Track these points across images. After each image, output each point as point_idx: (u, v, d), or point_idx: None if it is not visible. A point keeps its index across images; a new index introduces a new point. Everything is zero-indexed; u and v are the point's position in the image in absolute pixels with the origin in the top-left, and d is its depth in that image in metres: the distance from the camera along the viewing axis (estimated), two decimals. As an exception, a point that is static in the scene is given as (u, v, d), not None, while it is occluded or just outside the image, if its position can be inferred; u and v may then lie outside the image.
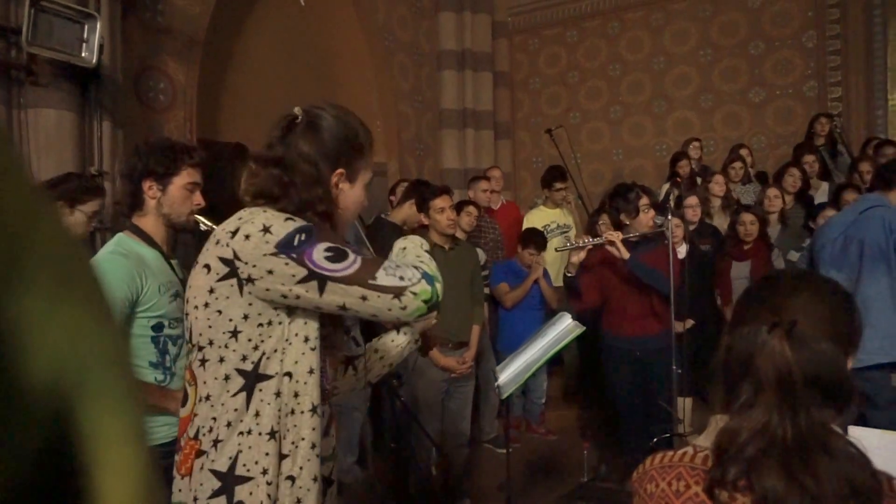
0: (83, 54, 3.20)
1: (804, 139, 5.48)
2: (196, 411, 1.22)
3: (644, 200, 3.40)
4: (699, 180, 5.09)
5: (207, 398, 1.21)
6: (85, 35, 3.20)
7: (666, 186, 5.46)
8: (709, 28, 6.59)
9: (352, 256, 1.19)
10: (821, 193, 4.91)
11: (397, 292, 1.17)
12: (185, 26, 4.38)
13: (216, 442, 1.18)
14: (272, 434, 1.19)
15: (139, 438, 0.29)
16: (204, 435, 1.19)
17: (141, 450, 0.29)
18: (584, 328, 2.78)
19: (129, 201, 1.93)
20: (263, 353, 1.20)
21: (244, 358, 1.20)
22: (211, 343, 1.21)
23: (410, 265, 1.24)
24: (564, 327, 2.78)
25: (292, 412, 1.21)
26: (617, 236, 3.28)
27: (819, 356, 0.88)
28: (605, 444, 4.06)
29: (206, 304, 1.21)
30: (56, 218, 0.28)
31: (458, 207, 4.05)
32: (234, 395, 1.19)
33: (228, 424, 1.18)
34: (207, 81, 4.62)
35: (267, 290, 1.19)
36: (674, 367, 3.22)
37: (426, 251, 1.37)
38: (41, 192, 0.28)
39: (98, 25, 3.22)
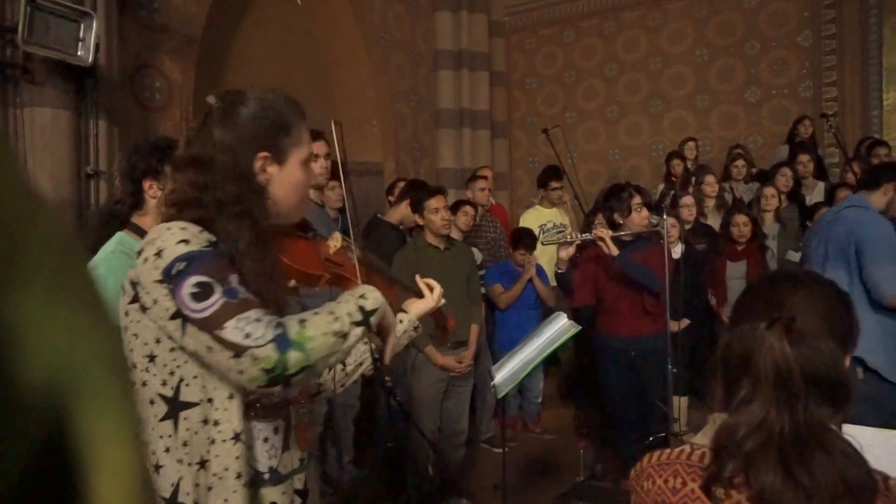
0: (79, 53, 3.20)
1: (786, 140, 5.51)
2: None
3: (637, 200, 3.41)
4: (694, 180, 5.11)
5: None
6: (81, 33, 3.19)
7: (661, 186, 5.49)
8: (705, 28, 6.60)
9: (215, 295, 1.05)
10: (816, 193, 4.93)
11: (237, 352, 1.02)
12: (181, 25, 4.37)
13: (157, 467, 1.14)
14: (202, 464, 1.14)
15: (133, 439, 0.29)
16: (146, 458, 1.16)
17: (135, 451, 0.29)
18: (580, 328, 2.79)
19: (129, 200, 1.92)
20: (182, 380, 1.13)
21: (164, 383, 1.14)
22: (134, 366, 1.16)
23: (275, 322, 1.06)
24: (560, 327, 2.79)
25: (213, 441, 1.13)
26: (607, 234, 3.29)
27: (818, 353, 0.89)
28: (600, 443, 4.07)
29: (125, 327, 1.16)
30: (51, 218, 0.28)
31: (455, 207, 4.06)
32: (162, 420, 1.14)
33: (167, 450, 1.14)
34: (204, 80, 4.62)
35: (154, 320, 1.11)
36: (669, 367, 3.22)
37: (366, 308, 1.18)
38: (37, 192, 0.28)
39: (94, 24, 3.22)
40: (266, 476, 1.21)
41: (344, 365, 1.48)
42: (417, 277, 1.58)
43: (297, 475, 1.28)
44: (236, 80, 5.16)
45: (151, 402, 1.15)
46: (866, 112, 5.80)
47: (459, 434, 3.58)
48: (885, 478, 0.88)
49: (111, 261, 1.78)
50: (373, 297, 1.20)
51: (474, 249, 4.26)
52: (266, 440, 1.22)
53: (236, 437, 1.14)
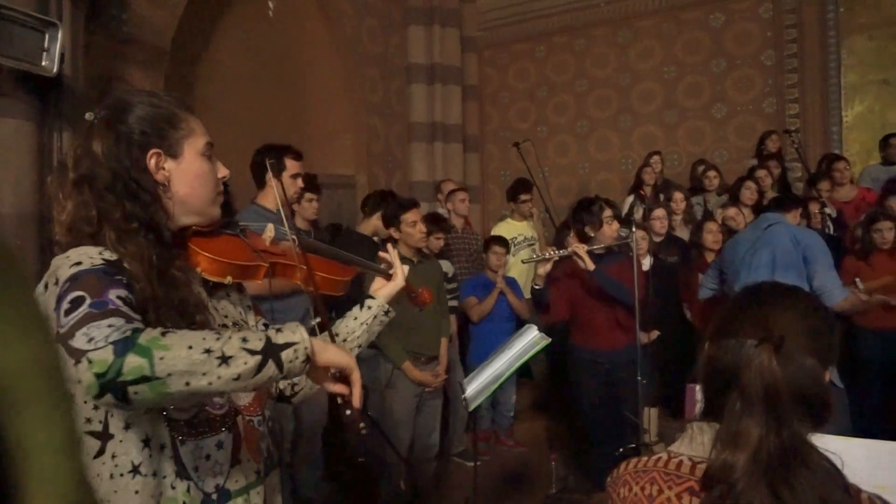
0: (44, 63, 3.13)
1: (754, 154, 5.65)
2: None
3: (607, 213, 3.46)
4: (661, 196, 5.21)
5: None
6: (46, 44, 3.13)
7: (629, 199, 5.58)
8: (673, 46, 6.76)
9: (82, 307, 0.96)
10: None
11: (77, 358, 0.90)
12: (150, 36, 4.32)
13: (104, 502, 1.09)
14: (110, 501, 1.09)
15: (70, 448, 0.29)
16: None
17: (71, 459, 0.29)
18: (550, 340, 2.81)
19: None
20: (107, 412, 1.08)
21: (89, 420, 1.08)
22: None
23: (130, 328, 0.94)
24: (530, 339, 2.81)
25: (111, 476, 1.07)
26: (582, 248, 3.33)
27: (804, 372, 0.90)
28: (573, 455, 4.08)
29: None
30: None
31: (430, 231, 4.06)
32: (95, 458, 1.08)
33: (97, 489, 1.09)
34: (175, 90, 4.57)
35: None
36: (639, 378, 3.26)
37: (274, 341, 1.02)
38: None
39: (59, 34, 3.16)
40: (214, 496, 1.15)
41: None
42: (381, 253, 1.55)
43: (255, 489, 1.22)
44: (207, 93, 5.11)
45: (79, 443, 1.09)
46: (827, 128, 5.98)
47: (431, 448, 3.56)
48: (859, 491, 0.90)
49: None
50: (291, 331, 1.04)
51: (445, 262, 4.27)
52: (209, 457, 1.15)
53: (135, 471, 1.07)
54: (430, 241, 4.08)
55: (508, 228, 5.06)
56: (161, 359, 0.91)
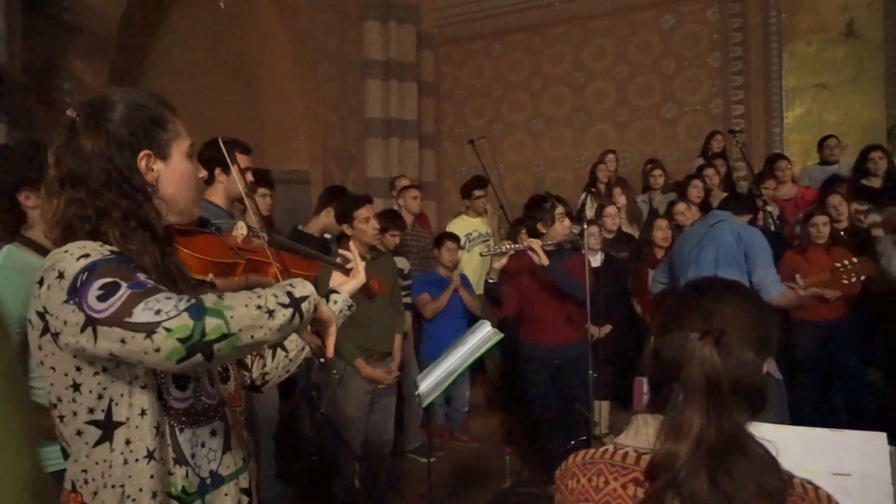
0: (-24, 50, 3.00)
1: (700, 154, 5.83)
2: (66, 466, 1.16)
3: (559, 210, 3.51)
4: (613, 192, 5.33)
5: (70, 455, 1.15)
6: (-20, 31, 3.00)
7: (583, 196, 5.68)
8: (625, 46, 6.89)
9: (122, 290, 1.01)
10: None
11: (149, 330, 0.97)
12: (94, 24, 4.17)
13: (94, 494, 1.12)
14: (123, 486, 1.12)
15: (23, 448, 0.28)
16: (81, 487, 1.13)
17: (24, 460, 0.28)
18: (504, 335, 2.84)
19: (7, 219, 1.76)
20: (111, 400, 1.11)
21: (91, 410, 1.11)
22: (60, 400, 1.13)
23: (188, 297, 1.02)
24: (484, 335, 2.83)
25: (126, 462, 1.11)
26: (537, 243, 3.37)
27: (743, 363, 0.94)
28: (527, 449, 4.13)
29: (41, 363, 1.13)
30: None
31: (383, 229, 4.04)
32: (95, 446, 1.12)
33: (103, 475, 1.12)
34: (120, 83, 4.42)
35: (67, 343, 1.06)
36: (590, 372, 3.32)
37: (294, 294, 1.16)
38: None
39: (-5, 21, 3.03)
40: (208, 481, 1.21)
41: (286, 350, 1.47)
42: (342, 250, 1.56)
43: (242, 474, 1.29)
44: (156, 84, 4.97)
45: (79, 433, 1.12)
46: (769, 129, 6.21)
47: (385, 445, 3.55)
48: (791, 477, 0.93)
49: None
50: (301, 285, 1.19)
51: (401, 259, 4.26)
52: (204, 445, 1.21)
53: (150, 456, 1.12)
54: (386, 238, 4.07)
55: (463, 225, 5.08)
56: (231, 317, 1.02)
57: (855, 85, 5.95)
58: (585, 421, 3.42)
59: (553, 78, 7.22)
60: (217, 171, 2.71)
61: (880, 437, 1.65)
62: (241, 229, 1.42)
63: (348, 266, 1.57)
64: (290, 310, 1.12)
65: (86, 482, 1.12)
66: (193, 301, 1.01)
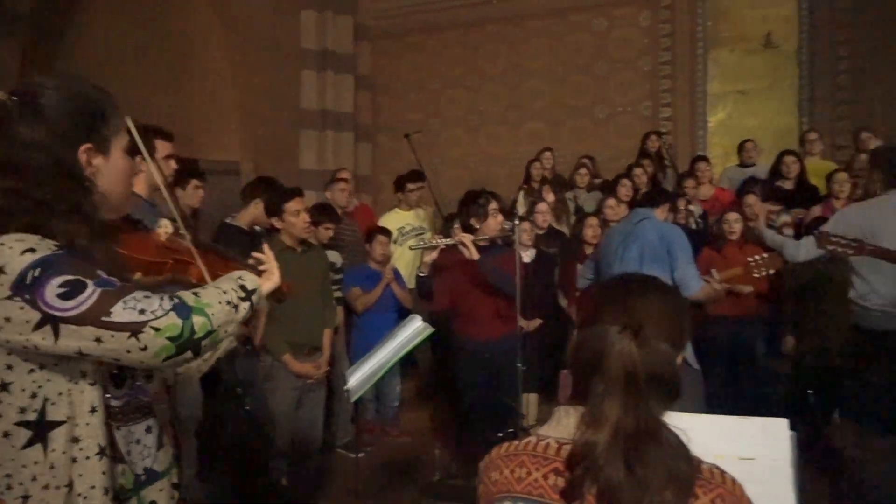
0: None
1: (637, 154, 6.03)
2: None
3: (493, 205, 3.54)
4: (542, 190, 5.44)
5: None
6: None
7: (520, 193, 5.76)
8: (560, 47, 7.03)
9: (89, 289, 1.02)
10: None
11: (134, 330, 1.01)
12: (6, 1, 3.92)
13: (24, 497, 1.09)
14: (70, 486, 1.10)
15: None
16: (3, 493, 1.09)
17: None
18: (434, 329, 2.85)
19: None
20: (47, 399, 1.09)
21: (23, 410, 1.08)
22: None
23: (168, 296, 1.07)
24: (414, 329, 2.83)
25: (75, 460, 1.10)
26: (468, 238, 3.39)
27: (659, 355, 0.97)
28: (457, 442, 4.16)
29: None
30: None
31: (317, 222, 3.98)
32: (24, 448, 1.08)
33: (34, 478, 1.09)
34: (35, 63, 4.17)
35: (7, 340, 1.04)
36: (519, 365, 3.37)
37: (247, 287, 1.23)
38: None
39: None
40: (143, 477, 1.22)
41: None
42: (255, 253, 1.55)
43: (173, 470, 1.31)
44: (77, 65, 4.70)
45: (6, 435, 1.08)
46: (694, 131, 6.49)
47: (313, 441, 3.50)
48: (700, 462, 0.97)
49: None
50: (250, 278, 1.26)
51: (333, 252, 4.21)
52: (139, 441, 1.23)
53: (101, 452, 1.12)
54: (319, 231, 4.01)
55: (396, 218, 5.06)
56: (213, 314, 1.10)
57: (771, 92, 6.30)
58: (514, 413, 3.48)
59: (489, 75, 7.29)
60: (138, 158, 2.59)
61: (782, 424, 1.77)
62: (165, 227, 1.40)
63: (261, 268, 1.55)
64: (248, 303, 1.21)
65: (9, 487, 1.08)
66: (177, 300, 1.06)
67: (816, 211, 4.55)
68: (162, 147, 2.74)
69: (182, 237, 1.39)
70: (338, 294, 4.20)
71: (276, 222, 3.34)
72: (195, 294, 1.12)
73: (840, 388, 3.72)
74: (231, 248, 1.59)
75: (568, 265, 4.62)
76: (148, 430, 1.24)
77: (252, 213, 3.74)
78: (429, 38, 7.52)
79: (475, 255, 3.37)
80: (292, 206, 3.27)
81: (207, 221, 4.26)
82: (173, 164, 2.85)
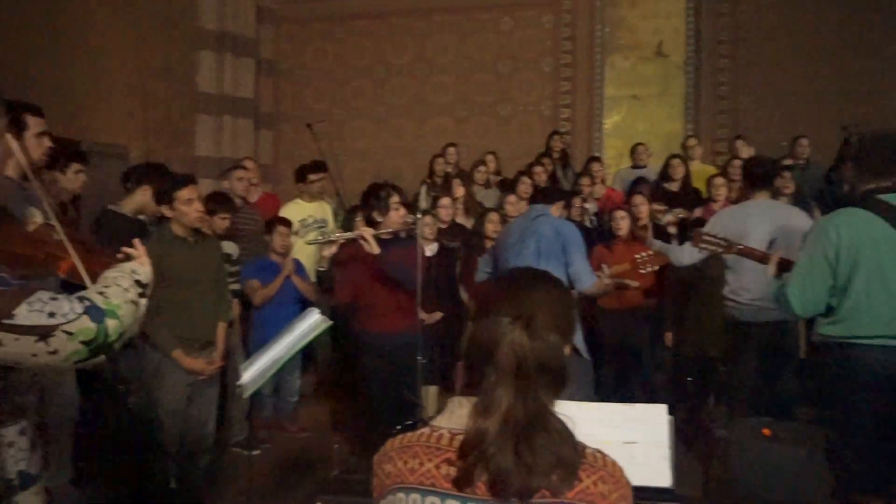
0: None
1: (543, 152, 6.24)
2: None
3: (395, 199, 3.53)
4: (453, 184, 5.49)
5: None
6: None
7: (423, 187, 5.79)
8: (466, 43, 7.12)
9: None
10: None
11: (42, 334, 0.98)
12: None
13: None
14: None
15: None
16: None
17: None
18: (332, 322, 2.81)
19: None
20: None
21: None
22: None
23: (77, 297, 1.05)
24: (312, 322, 2.78)
25: None
26: (369, 232, 3.36)
27: (548, 346, 1.01)
28: (356, 436, 4.13)
29: None
30: None
31: (212, 212, 3.81)
32: None
33: None
34: None
35: None
36: (419, 358, 3.39)
37: (136, 279, 1.22)
38: None
39: None
40: (16, 482, 1.17)
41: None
42: (124, 248, 1.47)
43: (46, 473, 1.27)
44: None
45: None
46: (591, 133, 6.79)
47: (205, 440, 3.36)
48: (584, 448, 1.02)
49: None
50: (143, 271, 1.25)
51: (229, 243, 4.05)
52: (11, 445, 1.17)
53: None
54: (215, 221, 3.86)
55: (298, 210, 4.94)
56: (122, 315, 1.09)
57: (661, 99, 6.70)
58: (414, 406, 3.50)
59: (396, 67, 7.27)
60: (8, 137, 2.37)
61: (661, 409, 1.91)
62: (35, 217, 1.34)
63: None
64: (145, 299, 1.21)
65: None
66: (88, 302, 1.04)
67: (698, 213, 4.89)
68: (34, 123, 2.52)
69: (53, 228, 1.31)
70: (235, 286, 4.05)
71: (166, 211, 3.16)
72: (102, 294, 1.10)
73: (715, 374, 4.05)
74: (114, 237, 1.51)
75: (468, 259, 4.70)
76: (21, 432, 1.19)
77: (138, 201, 3.51)
78: (336, 25, 7.38)
79: (375, 250, 3.35)
80: (184, 193, 3.10)
81: (90, 208, 3.97)
82: (47, 143, 2.62)
